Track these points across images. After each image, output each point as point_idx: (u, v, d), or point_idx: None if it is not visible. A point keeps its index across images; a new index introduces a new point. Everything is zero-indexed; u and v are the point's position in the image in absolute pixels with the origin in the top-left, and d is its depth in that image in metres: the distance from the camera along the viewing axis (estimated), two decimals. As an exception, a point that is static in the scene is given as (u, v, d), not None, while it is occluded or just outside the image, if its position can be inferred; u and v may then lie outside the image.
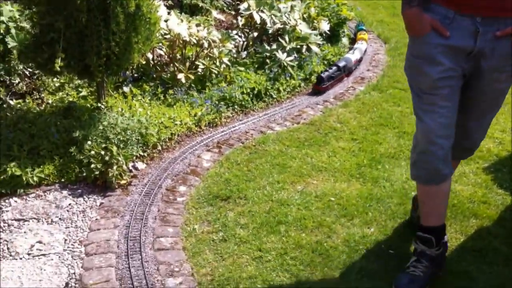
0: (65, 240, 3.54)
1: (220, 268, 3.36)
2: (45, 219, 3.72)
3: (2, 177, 3.88)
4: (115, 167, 4.08)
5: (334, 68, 6.38)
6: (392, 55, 7.72)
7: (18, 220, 3.69)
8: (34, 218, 3.72)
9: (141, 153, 4.51)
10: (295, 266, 3.39)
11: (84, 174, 4.09)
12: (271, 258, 3.46)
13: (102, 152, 4.10)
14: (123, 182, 4.16)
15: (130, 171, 4.32)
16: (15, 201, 3.86)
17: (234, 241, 3.61)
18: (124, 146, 4.32)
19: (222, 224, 3.78)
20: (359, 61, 7.11)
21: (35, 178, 3.98)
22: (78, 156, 4.13)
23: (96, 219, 3.77)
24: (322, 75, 6.14)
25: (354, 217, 3.89)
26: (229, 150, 4.82)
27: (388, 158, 4.73)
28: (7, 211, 3.75)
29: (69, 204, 3.89)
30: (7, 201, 3.85)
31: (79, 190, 4.06)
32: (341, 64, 6.50)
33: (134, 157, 4.44)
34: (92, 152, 4.10)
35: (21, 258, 3.34)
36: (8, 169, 3.90)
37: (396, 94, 6.19)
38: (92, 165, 4.05)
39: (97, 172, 4.05)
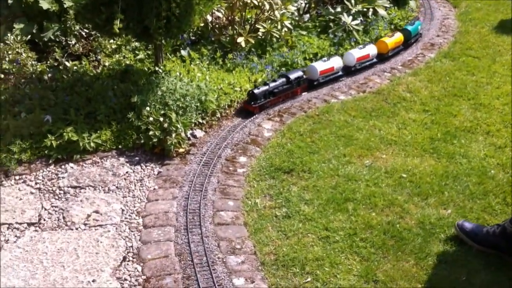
0: (122, 210, 3.39)
1: (284, 247, 3.14)
2: (102, 187, 3.58)
3: (58, 142, 3.75)
4: (173, 135, 3.88)
5: (281, 80, 4.77)
6: (463, 20, 7.20)
7: (75, 187, 3.56)
8: (91, 186, 3.58)
9: (200, 121, 4.30)
10: (366, 248, 3.14)
11: (142, 141, 3.92)
12: (339, 238, 3.21)
13: (161, 119, 3.91)
14: (181, 150, 3.97)
15: (189, 139, 4.13)
16: (72, 167, 3.73)
17: (299, 218, 3.38)
18: (183, 113, 4.12)
19: (285, 199, 3.55)
20: (333, 72, 5.20)
21: (92, 144, 3.83)
22: (136, 122, 3.95)
23: (154, 189, 3.61)
24: (256, 90, 4.55)
25: (429, 196, 3.58)
26: (291, 119, 4.55)
27: (464, 132, 4.36)
28: (63, 177, 3.63)
29: (126, 172, 3.74)
30: (63, 167, 3.73)
31: (137, 158, 3.89)
32: (294, 75, 4.84)
33: (193, 125, 4.24)
34: (151, 119, 3.92)
35: (77, 229, 3.21)
36: (64, 134, 3.76)
37: (469, 63, 5.74)
38: (151, 132, 3.87)
39: (155, 140, 3.87)
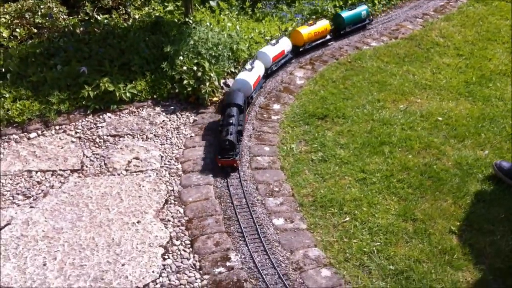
0: (161, 157, 3.45)
1: (321, 189, 3.18)
2: (140, 135, 3.65)
3: (95, 92, 3.81)
4: (207, 84, 3.91)
5: (235, 111, 3.58)
6: (496, -36, 6.99)
7: (114, 136, 3.63)
8: (129, 134, 3.65)
9: (232, 70, 4.31)
10: (403, 189, 3.16)
11: (177, 90, 3.95)
12: (376, 180, 3.23)
13: (194, 68, 3.93)
14: (215, 99, 4.00)
15: (222, 88, 4.14)
16: (109, 117, 3.80)
17: (335, 162, 3.40)
18: (215, 61, 4.13)
19: (321, 144, 3.57)
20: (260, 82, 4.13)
21: (127, 94, 3.88)
22: (169, 72, 3.98)
23: (191, 136, 3.66)
24: (230, 137, 3.33)
25: (465, 138, 3.57)
26: (322, 67, 4.53)
27: (499, 76, 4.30)
28: (102, 126, 3.70)
29: (163, 121, 3.79)
30: (101, 116, 3.79)
31: (172, 107, 3.94)
32: (240, 100, 3.69)
33: (225, 74, 4.25)
34: (184, 68, 3.94)
35: (119, 174, 3.28)
36: (101, 84, 3.81)
37: (502, 7, 5.61)
38: (185, 81, 3.89)
39: (189, 89, 3.90)
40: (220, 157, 3.31)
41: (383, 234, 2.84)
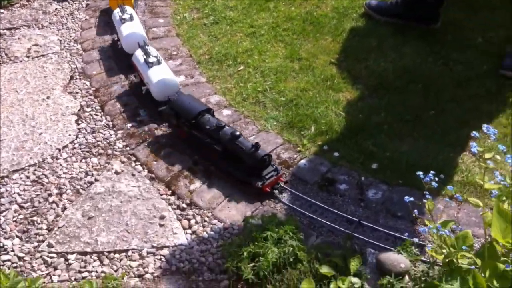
0: (60, 40, 3.58)
1: (216, 47, 3.45)
2: (35, 25, 3.73)
3: (-19, -11, 3.81)
4: (93, -33, 3.98)
5: (223, 126, 2.61)
6: None
7: (9, 29, 3.69)
8: (25, 26, 3.72)
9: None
10: (288, 36, 3.49)
11: (64, -23, 4.00)
12: (264, 32, 3.54)
13: (78, -48, 3.97)
14: (104, -18, 4.09)
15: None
16: (2, 13, 3.83)
17: (226, 22, 3.66)
18: None
19: (211, 9, 3.80)
20: None
21: (15, -13, 3.90)
22: (53, -40, 4.00)
23: (86, 19, 3.78)
24: (261, 151, 2.49)
25: (341, -14, 3.91)
26: None
27: None
28: (-5, 22, 3.75)
29: (56, 9, 3.87)
30: (-7, 13, 3.83)
31: (63, -5, 4.01)
32: (204, 105, 2.77)
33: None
34: (67, -47, 3.97)
35: (21, 61, 3.40)
36: (-15, -20, 3.81)
37: None
38: (70, -33, 3.95)
39: (76, -26, 3.96)
40: (265, 181, 2.45)
41: (273, 75, 3.18)
